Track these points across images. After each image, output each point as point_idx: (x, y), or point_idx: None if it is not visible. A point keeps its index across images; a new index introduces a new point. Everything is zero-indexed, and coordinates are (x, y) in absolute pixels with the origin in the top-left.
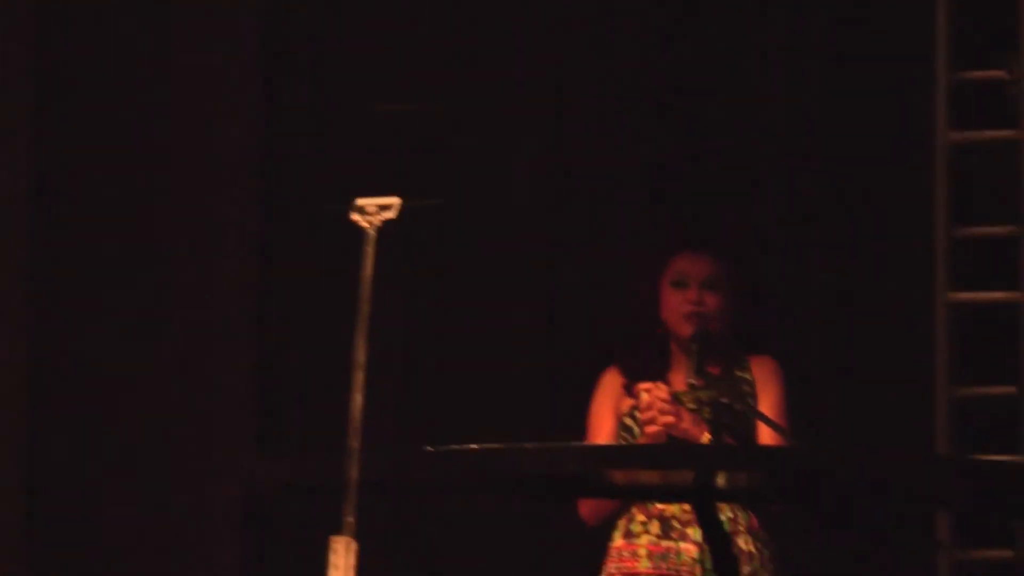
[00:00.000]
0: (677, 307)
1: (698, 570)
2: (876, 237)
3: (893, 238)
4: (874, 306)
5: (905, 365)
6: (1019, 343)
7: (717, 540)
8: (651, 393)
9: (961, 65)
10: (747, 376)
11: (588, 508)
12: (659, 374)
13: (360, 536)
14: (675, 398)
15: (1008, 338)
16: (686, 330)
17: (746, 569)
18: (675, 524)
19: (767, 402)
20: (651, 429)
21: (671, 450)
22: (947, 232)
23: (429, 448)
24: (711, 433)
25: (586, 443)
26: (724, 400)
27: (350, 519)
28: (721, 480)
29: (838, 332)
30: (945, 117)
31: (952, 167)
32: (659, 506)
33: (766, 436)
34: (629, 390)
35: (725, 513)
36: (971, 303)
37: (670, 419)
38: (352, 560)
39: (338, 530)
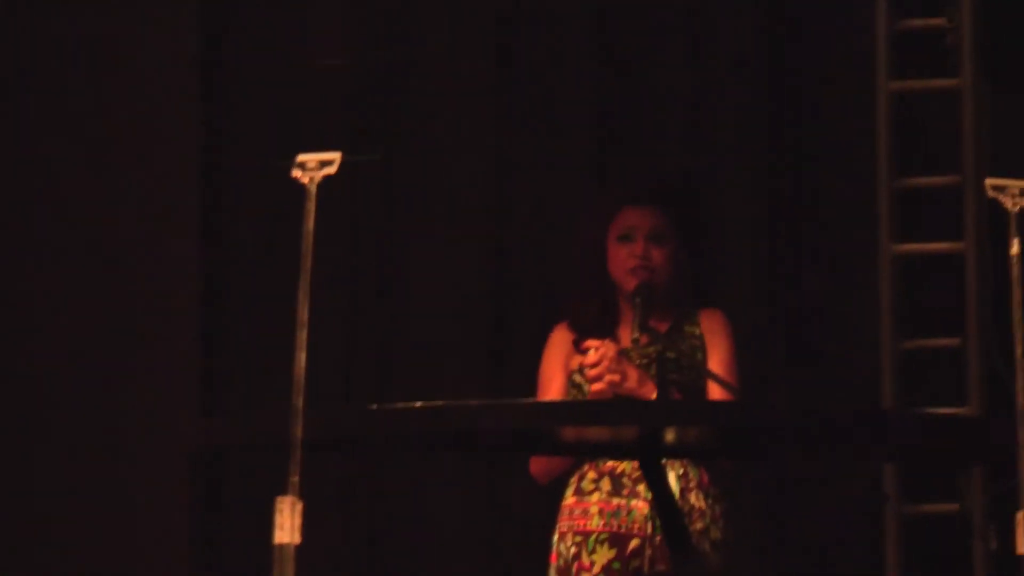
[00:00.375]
0: (623, 261)
1: (649, 527)
2: (819, 188)
3: (836, 189)
4: (819, 258)
5: (850, 317)
6: (963, 294)
7: (663, 496)
8: (598, 351)
9: (901, 13)
10: (696, 330)
11: (539, 466)
12: (608, 330)
13: (306, 496)
14: (623, 354)
15: (953, 289)
16: (632, 284)
17: (698, 525)
18: (626, 481)
19: (716, 356)
20: (596, 387)
21: (616, 406)
22: (890, 183)
23: (374, 406)
24: (657, 388)
25: (532, 400)
26: (670, 355)
27: (295, 479)
28: (670, 436)
29: (783, 284)
30: (886, 66)
31: (894, 117)
32: (610, 463)
33: (716, 391)
34: (579, 346)
35: (676, 469)
36: (915, 254)
37: (615, 378)
38: (298, 520)
39: (283, 490)
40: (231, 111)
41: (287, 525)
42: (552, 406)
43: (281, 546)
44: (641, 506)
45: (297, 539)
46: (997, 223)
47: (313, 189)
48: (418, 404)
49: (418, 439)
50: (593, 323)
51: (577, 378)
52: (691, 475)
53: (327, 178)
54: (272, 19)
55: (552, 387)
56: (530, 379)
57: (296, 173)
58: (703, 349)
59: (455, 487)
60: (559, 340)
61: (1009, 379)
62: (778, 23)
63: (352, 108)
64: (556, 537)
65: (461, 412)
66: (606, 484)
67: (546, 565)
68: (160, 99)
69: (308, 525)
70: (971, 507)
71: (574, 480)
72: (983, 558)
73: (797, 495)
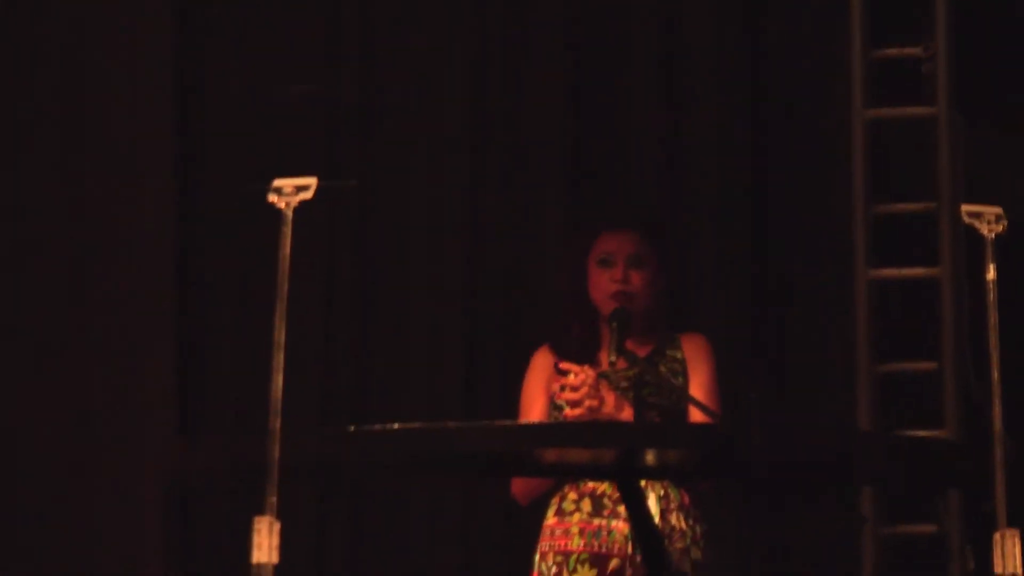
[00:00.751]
0: (603, 286)
1: (629, 547)
2: (796, 214)
3: (812, 215)
4: (795, 283)
5: (827, 341)
6: (939, 319)
7: (641, 517)
8: (578, 376)
9: (876, 42)
10: (678, 354)
11: (519, 487)
12: (590, 353)
13: (283, 516)
14: (603, 377)
15: (928, 314)
16: (611, 309)
17: (679, 545)
18: (606, 502)
19: (698, 380)
20: (572, 413)
21: (593, 428)
22: (866, 209)
23: (352, 428)
24: (635, 411)
25: (510, 422)
26: (648, 378)
27: (273, 499)
28: (648, 457)
29: (760, 309)
30: (861, 94)
31: (869, 144)
32: (591, 484)
33: (696, 415)
34: (560, 370)
35: (657, 491)
36: (891, 279)
37: (594, 403)
38: (275, 540)
39: (261, 510)
40: (207, 137)
41: (265, 545)
42: (531, 428)
43: (259, 566)
44: (621, 526)
45: (275, 559)
46: (973, 248)
47: (289, 214)
48: (396, 426)
49: (397, 461)
50: (575, 347)
51: (559, 401)
52: (672, 496)
53: (303, 203)
54: (248, 45)
55: (534, 409)
56: (506, 401)
57: (272, 198)
58: (684, 373)
59: (435, 506)
60: (541, 363)
61: (985, 402)
62: (754, 51)
63: (328, 134)
64: (537, 556)
65: (440, 434)
66: (587, 505)
67: None
68: (135, 125)
69: (285, 545)
70: (948, 528)
71: (555, 500)
72: None
73: (776, 516)
